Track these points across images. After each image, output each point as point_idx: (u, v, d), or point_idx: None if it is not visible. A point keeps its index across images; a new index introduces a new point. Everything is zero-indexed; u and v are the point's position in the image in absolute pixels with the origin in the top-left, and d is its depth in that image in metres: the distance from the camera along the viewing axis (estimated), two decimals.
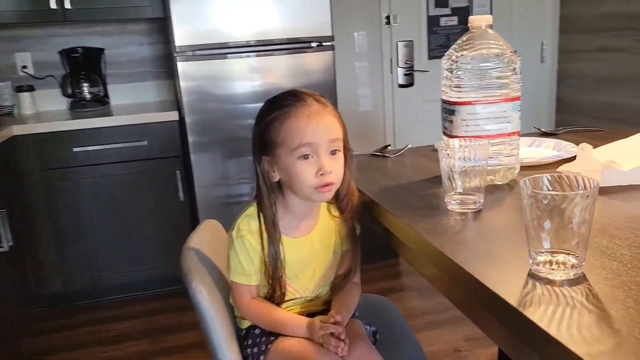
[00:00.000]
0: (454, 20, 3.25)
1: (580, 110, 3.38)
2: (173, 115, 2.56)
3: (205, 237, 1.24)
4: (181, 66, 2.47)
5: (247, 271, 1.09)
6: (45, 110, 2.92)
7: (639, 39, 2.92)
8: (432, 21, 3.23)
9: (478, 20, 1.07)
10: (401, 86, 3.14)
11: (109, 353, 2.24)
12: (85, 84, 2.86)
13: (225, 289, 1.16)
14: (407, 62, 3.10)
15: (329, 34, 2.57)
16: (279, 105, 1.04)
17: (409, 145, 1.42)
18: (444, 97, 1.10)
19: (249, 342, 1.12)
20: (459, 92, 1.05)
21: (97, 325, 2.47)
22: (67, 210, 2.53)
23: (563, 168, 1.12)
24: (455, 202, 0.97)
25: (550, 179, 0.72)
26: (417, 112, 3.28)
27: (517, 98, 1.06)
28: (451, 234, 0.88)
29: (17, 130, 2.40)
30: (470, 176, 0.95)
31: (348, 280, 1.17)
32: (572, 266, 0.68)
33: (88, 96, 2.87)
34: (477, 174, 0.95)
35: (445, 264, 0.78)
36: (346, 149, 1.07)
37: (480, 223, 0.92)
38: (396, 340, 1.31)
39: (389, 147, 1.45)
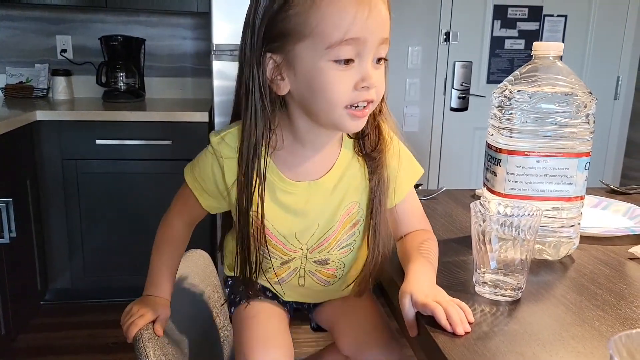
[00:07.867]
0: (520, 44, 2.95)
1: None
2: (202, 117, 2.39)
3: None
4: (217, 64, 2.30)
5: (200, 178, 0.84)
6: (80, 97, 2.83)
7: None
8: (496, 42, 2.93)
9: (545, 48, 0.82)
10: (453, 109, 2.88)
11: None
12: (121, 74, 2.73)
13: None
14: (463, 84, 2.83)
15: None
16: None
17: (444, 188, 1.19)
18: (489, 141, 0.87)
19: (228, 290, 0.99)
20: (509, 137, 0.82)
21: (97, 329, 2.33)
22: (83, 204, 2.40)
23: (637, 250, 0.86)
24: (485, 285, 0.74)
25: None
26: (468, 139, 2.99)
27: (586, 154, 0.81)
28: (470, 338, 0.64)
29: (40, 115, 2.29)
30: (510, 250, 0.72)
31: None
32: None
33: (123, 87, 2.75)
34: (522, 249, 0.72)
35: None
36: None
37: (517, 322, 0.68)
38: None
39: (420, 187, 1.22)
